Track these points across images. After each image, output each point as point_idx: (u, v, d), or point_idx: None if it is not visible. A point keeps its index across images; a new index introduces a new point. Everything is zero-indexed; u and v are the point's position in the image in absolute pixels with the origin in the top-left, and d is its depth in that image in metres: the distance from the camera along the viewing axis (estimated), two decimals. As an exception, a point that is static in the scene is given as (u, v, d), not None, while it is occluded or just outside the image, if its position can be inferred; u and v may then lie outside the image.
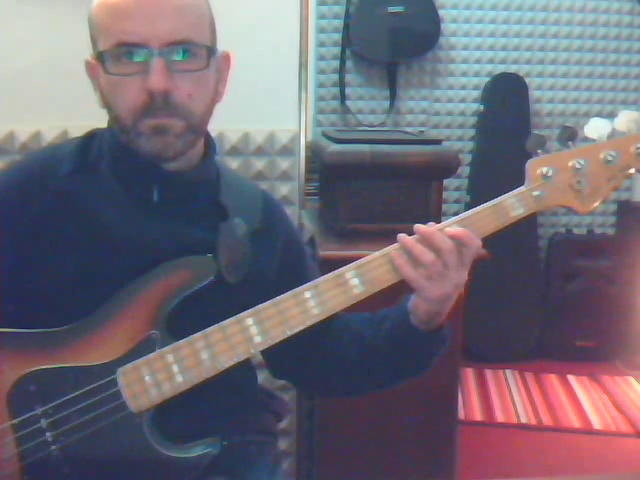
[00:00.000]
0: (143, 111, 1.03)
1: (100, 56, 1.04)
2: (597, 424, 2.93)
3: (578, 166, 1.10)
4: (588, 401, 3.13)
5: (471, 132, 3.60)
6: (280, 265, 1.21)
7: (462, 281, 1.06)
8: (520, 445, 2.77)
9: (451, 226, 1.06)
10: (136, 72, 1.02)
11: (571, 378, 3.37)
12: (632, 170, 1.12)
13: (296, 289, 1.07)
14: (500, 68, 3.53)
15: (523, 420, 2.95)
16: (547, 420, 2.95)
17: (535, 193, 1.10)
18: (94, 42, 1.06)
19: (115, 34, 1.01)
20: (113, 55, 1.02)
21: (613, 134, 1.11)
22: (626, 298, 3.41)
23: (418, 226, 1.06)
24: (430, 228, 1.06)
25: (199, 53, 1.05)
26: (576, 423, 2.93)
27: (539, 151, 1.11)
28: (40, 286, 1.08)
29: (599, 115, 1.15)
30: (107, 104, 1.08)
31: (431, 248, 1.04)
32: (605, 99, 3.60)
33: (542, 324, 3.56)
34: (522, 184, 1.12)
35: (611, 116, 1.12)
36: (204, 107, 1.08)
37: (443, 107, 3.57)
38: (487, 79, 3.53)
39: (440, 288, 1.05)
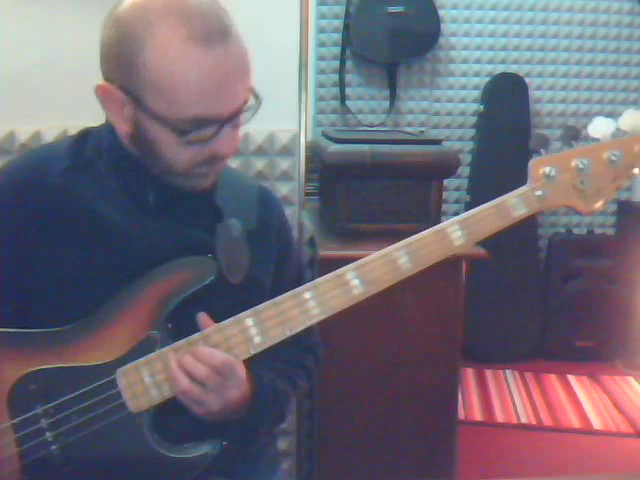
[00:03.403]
0: (203, 163, 1.04)
1: (168, 123, 0.99)
2: (597, 424, 2.93)
3: (581, 166, 1.10)
4: (588, 401, 3.13)
5: (471, 132, 3.60)
6: (274, 262, 1.22)
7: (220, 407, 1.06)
8: (520, 445, 2.77)
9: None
10: (207, 139, 1.01)
11: (571, 378, 3.37)
12: (636, 170, 1.11)
13: (296, 289, 1.07)
14: (500, 68, 3.54)
15: (523, 420, 2.95)
16: (547, 420, 2.96)
17: (538, 193, 1.10)
18: (134, 82, 0.99)
19: (193, 108, 0.98)
20: (186, 126, 0.99)
21: (617, 133, 1.11)
22: (626, 298, 3.41)
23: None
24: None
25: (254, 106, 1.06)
26: (576, 423, 2.94)
27: (542, 150, 1.11)
28: (40, 286, 1.08)
29: (599, 115, 1.15)
30: (145, 145, 1.04)
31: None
32: (605, 99, 3.60)
33: (542, 324, 3.56)
34: (523, 184, 1.11)
35: (611, 116, 1.12)
36: None
37: (443, 107, 3.57)
38: (487, 79, 3.53)
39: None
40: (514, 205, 1.09)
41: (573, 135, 1.10)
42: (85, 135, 1.15)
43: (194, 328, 1.06)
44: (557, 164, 1.10)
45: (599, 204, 1.11)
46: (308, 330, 1.09)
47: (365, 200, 2.05)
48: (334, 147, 2.06)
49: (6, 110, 1.85)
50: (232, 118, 1.02)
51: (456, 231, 1.08)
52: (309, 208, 2.35)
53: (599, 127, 1.11)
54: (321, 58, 3.46)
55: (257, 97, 1.05)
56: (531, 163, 1.10)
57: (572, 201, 1.11)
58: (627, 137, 1.10)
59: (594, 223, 3.67)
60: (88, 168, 1.11)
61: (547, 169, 1.09)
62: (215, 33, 0.97)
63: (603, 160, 1.10)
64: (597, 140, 1.11)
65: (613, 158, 1.10)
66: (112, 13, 1.01)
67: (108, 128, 1.12)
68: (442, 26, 3.43)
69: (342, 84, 3.45)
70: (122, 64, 0.99)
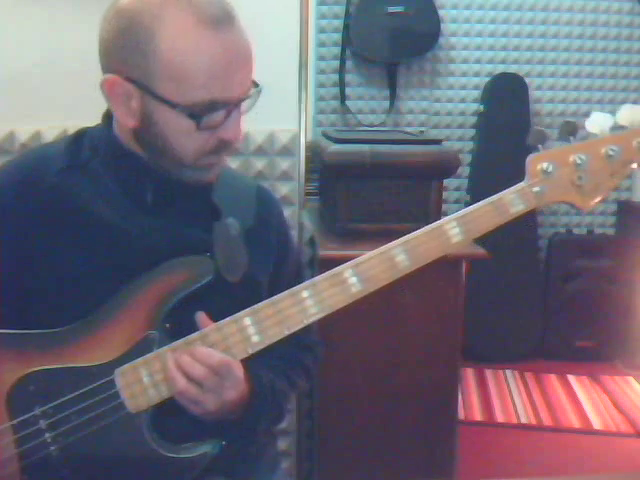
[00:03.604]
0: (210, 152, 1.05)
1: (182, 109, 1.00)
2: (597, 424, 2.92)
3: (579, 161, 1.09)
4: (588, 401, 3.13)
5: (471, 132, 3.60)
6: (272, 262, 1.22)
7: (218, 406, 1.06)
8: (520, 445, 2.77)
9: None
10: (218, 124, 1.03)
11: (571, 378, 3.37)
12: (634, 165, 1.11)
13: (294, 288, 1.07)
14: (500, 68, 3.54)
15: (523, 420, 2.95)
16: (547, 420, 2.95)
17: (535, 189, 1.09)
18: (144, 71, 0.99)
19: (206, 91, 0.99)
20: (199, 110, 1.00)
21: (615, 128, 1.10)
22: (626, 298, 3.41)
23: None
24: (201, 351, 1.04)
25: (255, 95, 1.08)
26: (576, 423, 2.93)
27: (539, 146, 1.10)
28: (38, 286, 1.08)
29: (599, 114, 1.14)
30: (153, 138, 1.04)
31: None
32: (605, 99, 3.60)
33: (542, 324, 3.56)
34: (522, 183, 1.11)
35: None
36: None
37: (443, 107, 3.58)
38: (487, 79, 3.53)
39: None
40: (512, 201, 1.09)
41: (570, 130, 1.10)
42: (82, 135, 1.15)
43: (192, 327, 1.06)
44: (555, 160, 1.09)
45: (597, 200, 1.10)
46: (307, 329, 1.09)
47: (365, 200, 2.05)
48: (334, 147, 2.06)
49: (6, 110, 1.85)
50: (239, 102, 1.04)
51: (454, 228, 1.08)
52: (309, 208, 2.35)
53: (597, 122, 1.10)
54: (321, 58, 3.46)
55: (257, 85, 1.07)
56: (529, 159, 1.09)
57: (570, 197, 1.10)
58: (625, 132, 1.09)
59: (594, 223, 3.67)
60: (85, 168, 1.11)
61: (545, 165, 1.09)
62: (222, 18, 0.99)
63: (601, 155, 1.09)
64: (595, 135, 1.10)
65: (611, 153, 1.09)
66: (112, 6, 1.02)
67: (105, 127, 1.12)
68: (442, 26, 3.44)
69: (342, 84, 3.45)
70: (129, 55, 1.00)
